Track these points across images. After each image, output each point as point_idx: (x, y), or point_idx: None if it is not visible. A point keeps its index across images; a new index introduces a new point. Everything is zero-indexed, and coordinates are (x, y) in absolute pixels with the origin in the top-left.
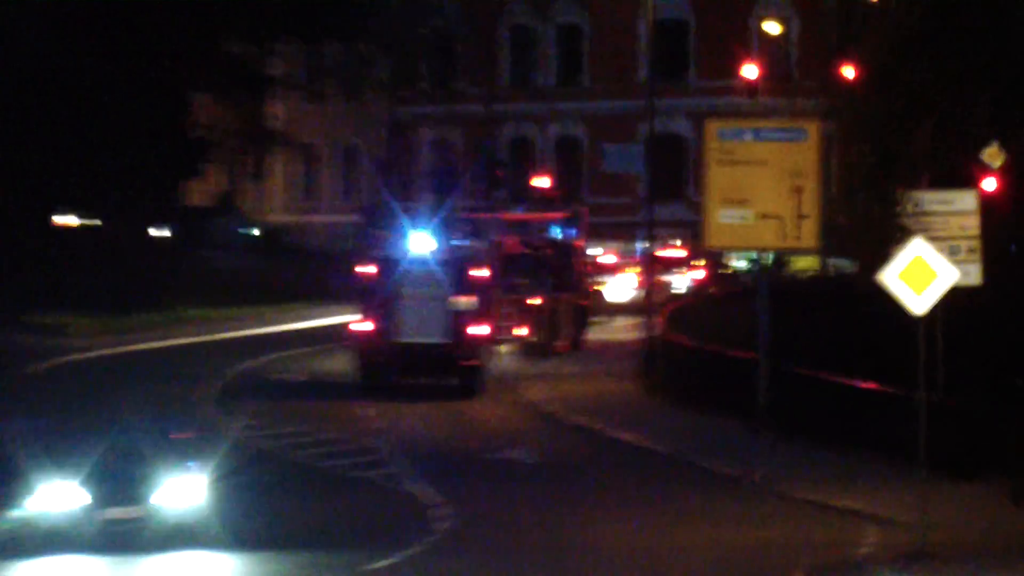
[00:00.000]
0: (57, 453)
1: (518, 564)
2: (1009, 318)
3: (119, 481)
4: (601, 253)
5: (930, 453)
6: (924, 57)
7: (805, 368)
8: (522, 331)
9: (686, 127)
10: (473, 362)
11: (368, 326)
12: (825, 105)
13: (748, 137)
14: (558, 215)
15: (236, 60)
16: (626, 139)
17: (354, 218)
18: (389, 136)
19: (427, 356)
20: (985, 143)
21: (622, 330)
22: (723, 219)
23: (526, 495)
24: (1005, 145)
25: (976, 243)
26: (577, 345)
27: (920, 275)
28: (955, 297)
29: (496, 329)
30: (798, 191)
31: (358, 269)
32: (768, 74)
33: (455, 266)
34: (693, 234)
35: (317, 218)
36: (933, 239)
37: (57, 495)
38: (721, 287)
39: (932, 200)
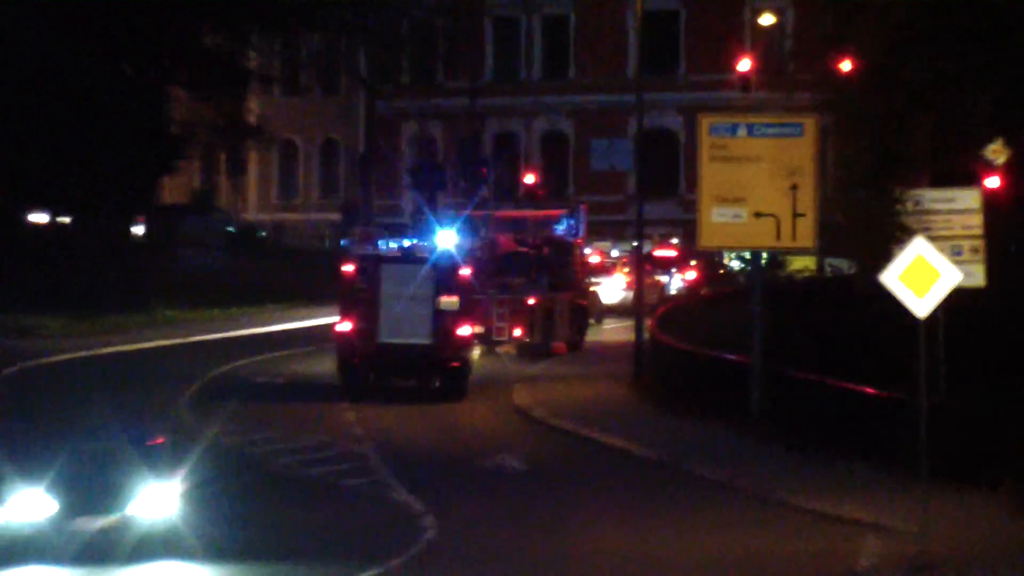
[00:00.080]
0: (26, 460)
1: (505, 574)
2: (1012, 319)
3: (90, 489)
4: (589, 253)
5: (931, 459)
6: (925, 51)
7: (801, 371)
8: (517, 332)
9: (677, 122)
10: (457, 363)
11: (350, 326)
12: (821, 99)
13: (742, 132)
14: (556, 212)
15: (213, 53)
16: (615, 134)
17: (334, 216)
18: (369, 131)
19: (410, 357)
20: (988, 139)
21: (621, 332)
22: (716, 218)
23: (513, 502)
24: (1009, 142)
25: (979, 243)
26: (576, 346)
27: (922, 276)
28: (956, 298)
29: (490, 330)
30: (794, 188)
31: (342, 268)
32: (762, 67)
33: (438, 265)
34: (686, 233)
35: (294, 216)
36: (934, 239)
37: (25, 504)
38: (713, 288)
39: (933, 198)
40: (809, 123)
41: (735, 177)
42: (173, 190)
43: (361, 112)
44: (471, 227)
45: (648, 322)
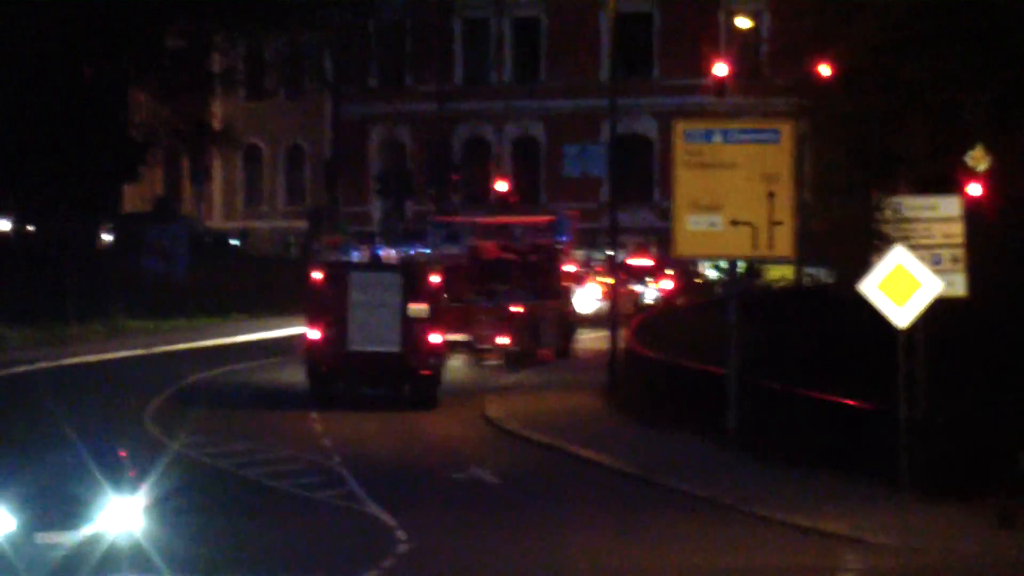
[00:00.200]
0: None
1: None
2: (995, 330)
3: (50, 505)
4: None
5: (912, 472)
6: (921, 51)
7: (779, 383)
8: (502, 340)
9: (651, 127)
10: (427, 371)
11: (318, 335)
12: (799, 104)
13: (717, 138)
14: (543, 219)
15: (176, 55)
16: (587, 140)
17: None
18: (335, 136)
19: (380, 366)
20: (973, 144)
21: (595, 341)
22: (692, 226)
23: (487, 517)
24: (993, 147)
25: (960, 251)
26: (565, 354)
27: (902, 285)
28: (937, 308)
29: (475, 338)
30: (771, 196)
31: (310, 276)
32: (738, 71)
33: (407, 273)
34: (661, 242)
35: (259, 223)
36: (915, 247)
37: None
38: (690, 298)
39: (914, 206)
40: (786, 129)
41: (711, 184)
42: (135, 198)
43: (327, 117)
44: (453, 234)
45: (623, 332)
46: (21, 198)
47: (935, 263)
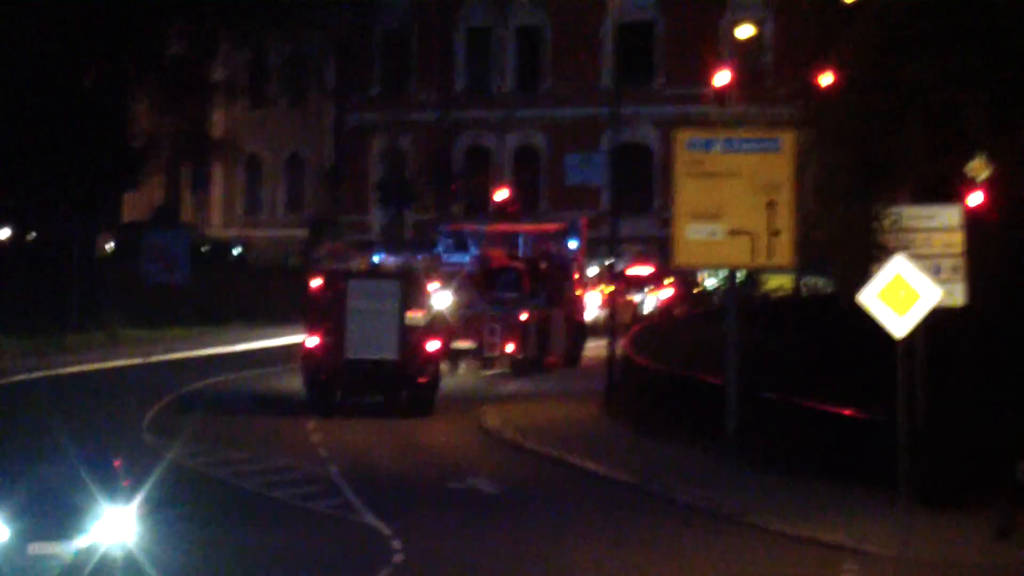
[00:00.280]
0: None
1: None
2: (994, 338)
3: (43, 514)
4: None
5: (911, 482)
6: (922, 52)
7: (778, 393)
8: (509, 347)
9: (653, 136)
10: (425, 379)
11: (317, 342)
12: (800, 113)
13: (718, 147)
14: (553, 227)
15: (178, 62)
16: (589, 148)
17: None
18: (336, 144)
19: (377, 373)
20: (980, 146)
21: (594, 350)
22: (692, 235)
23: (484, 526)
24: (993, 148)
25: (960, 261)
26: (574, 362)
27: (901, 295)
28: (937, 317)
29: (483, 345)
30: (771, 205)
31: (309, 283)
32: (740, 80)
33: (404, 281)
34: (660, 251)
35: (259, 232)
36: (915, 257)
37: None
38: (689, 307)
39: (914, 215)
40: (787, 138)
41: (711, 193)
42: (136, 206)
43: (329, 125)
44: (462, 242)
45: (621, 341)
46: (21, 206)
47: (935, 273)
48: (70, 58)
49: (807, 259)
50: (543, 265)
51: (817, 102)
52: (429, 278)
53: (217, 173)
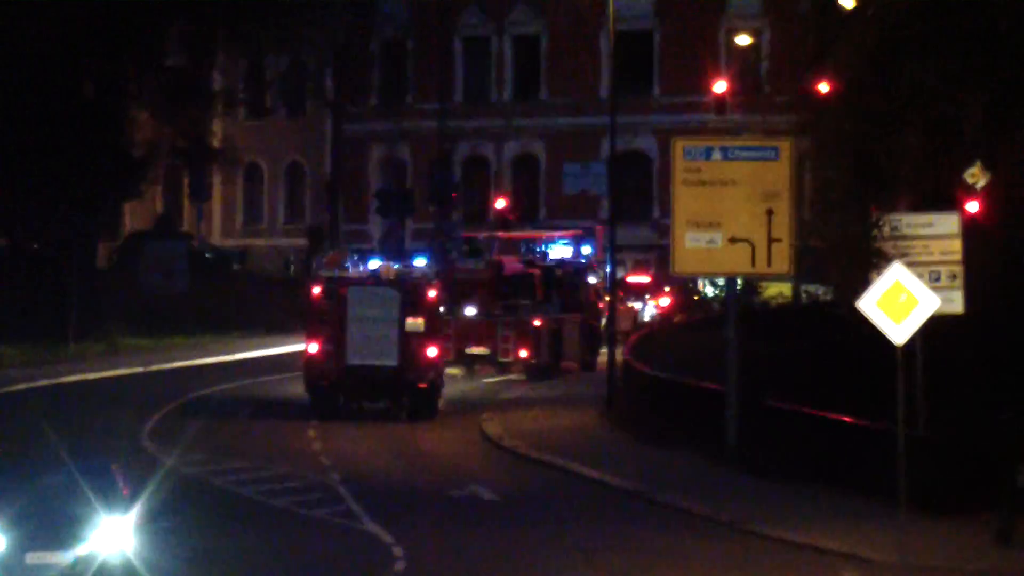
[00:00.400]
0: None
1: None
2: (993, 348)
3: (42, 524)
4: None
5: (910, 489)
6: (908, 59)
7: (777, 400)
8: (523, 353)
9: (651, 144)
10: (425, 384)
11: (317, 349)
12: (798, 121)
13: (717, 156)
14: (568, 234)
15: (177, 72)
16: (587, 157)
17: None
18: (335, 154)
19: (378, 379)
20: (971, 154)
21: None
22: (690, 243)
23: (484, 534)
24: (990, 150)
25: (958, 268)
26: (590, 367)
27: (899, 303)
28: (936, 323)
29: (497, 351)
30: (769, 213)
31: (310, 291)
32: (738, 88)
33: (404, 288)
34: (659, 259)
35: (258, 241)
36: (913, 264)
37: None
38: (688, 315)
39: (912, 223)
40: (785, 146)
41: (710, 201)
42: (136, 215)
43: (328, 135)
44: (476, 249)
45: (621, 349)
46: (20, 215)
47: (933, 280)
48: (69, 62)
49: (806, 267)
50: (558, 271)
51: (815, 109)
52: (432, 285)
53: (217, 183)
